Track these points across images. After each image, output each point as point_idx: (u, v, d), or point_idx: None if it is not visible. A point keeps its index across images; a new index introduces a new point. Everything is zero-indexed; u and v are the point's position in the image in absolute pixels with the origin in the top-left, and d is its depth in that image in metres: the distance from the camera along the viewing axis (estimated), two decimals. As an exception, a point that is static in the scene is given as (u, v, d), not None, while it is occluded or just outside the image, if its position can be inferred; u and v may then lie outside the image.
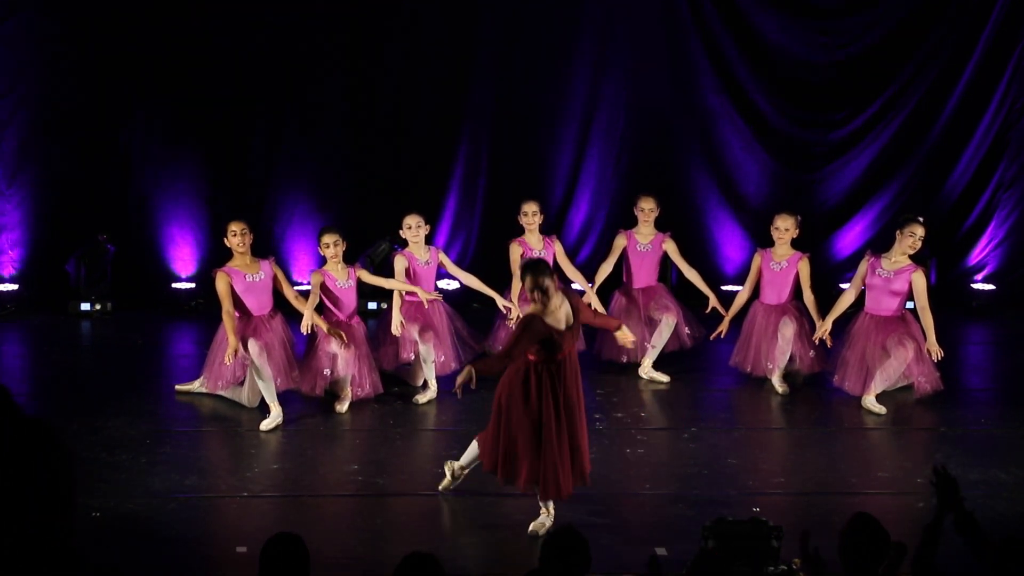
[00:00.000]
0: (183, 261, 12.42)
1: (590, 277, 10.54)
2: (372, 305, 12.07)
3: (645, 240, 10.50)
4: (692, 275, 10.54)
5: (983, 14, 12.55)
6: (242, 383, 9.47)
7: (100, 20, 11.97)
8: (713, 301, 10.30)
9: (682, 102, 12.66)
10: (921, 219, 9.77)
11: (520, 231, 10.35)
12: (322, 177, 12.53)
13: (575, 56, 12.51)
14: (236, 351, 9.12)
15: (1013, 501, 8.00)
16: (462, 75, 12.49)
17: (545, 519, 7.43)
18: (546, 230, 10.54)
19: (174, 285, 12.39)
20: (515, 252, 10.27)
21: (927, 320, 9.60)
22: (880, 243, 11.40)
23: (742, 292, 10.34)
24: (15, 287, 12.19)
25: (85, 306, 12.01)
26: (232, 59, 12.19)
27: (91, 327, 11.85)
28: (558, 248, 10.43)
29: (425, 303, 9.74)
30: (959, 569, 5.44)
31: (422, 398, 9.81)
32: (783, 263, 10.12)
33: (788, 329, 10.03)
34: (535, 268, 7.17)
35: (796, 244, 10.17)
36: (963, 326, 11.93)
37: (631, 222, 10.64)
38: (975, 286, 12.87)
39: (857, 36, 12.62)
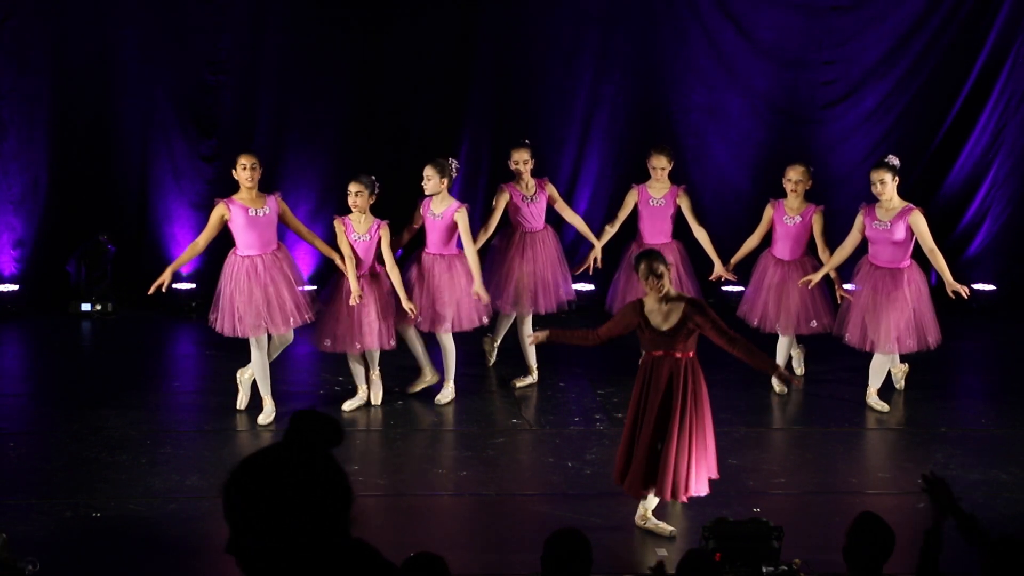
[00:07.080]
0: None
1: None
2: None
3: (658, 195, 10.07)
4: (701, 235, 10.16)
5: (980, 12, 12.55)
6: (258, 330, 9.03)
7: (98, 21, 11.97)
8: (719, 269, 10.03)
9: (681, 100, 12.64)
10: (888, 161, 9.23)
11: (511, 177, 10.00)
12: (323, 178, 12.52)
13: (575, 54, 12.51)
14: (164, 283, 8.87)
15: (1013, 501, 8.00)
16: (463, 74, 12.49)
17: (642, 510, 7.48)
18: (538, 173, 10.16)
19: (174, 285, 12.37)
20: (500, 201, 9.89)
21: (937, 261, 9.22)
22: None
23: (751, 239, 9.99)
24: (15, 287, 12.19)
25: (85, 306, 11.99)
26: (231, 59, 12.20)
27: (91, 327, 11.84)
28: (551, 191, 10.05)
29: (411, 312, 9.25)
30: (961, 570, 5.44)
31: (443, 399, 9.70)
32: (796, 217, 9.72)
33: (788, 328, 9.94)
34: (649, 255, 7.25)
35: (809, 196, 9.83)
36: (963, 326, 11.91)
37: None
38: (974, 287, 12.82)
39: (855, 34, 12.62)
